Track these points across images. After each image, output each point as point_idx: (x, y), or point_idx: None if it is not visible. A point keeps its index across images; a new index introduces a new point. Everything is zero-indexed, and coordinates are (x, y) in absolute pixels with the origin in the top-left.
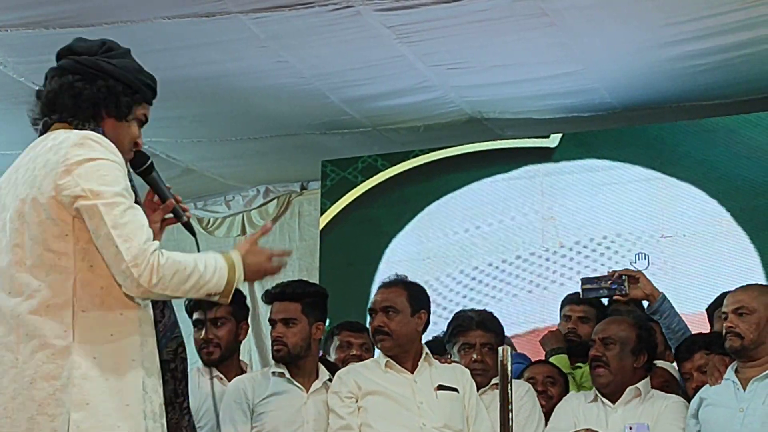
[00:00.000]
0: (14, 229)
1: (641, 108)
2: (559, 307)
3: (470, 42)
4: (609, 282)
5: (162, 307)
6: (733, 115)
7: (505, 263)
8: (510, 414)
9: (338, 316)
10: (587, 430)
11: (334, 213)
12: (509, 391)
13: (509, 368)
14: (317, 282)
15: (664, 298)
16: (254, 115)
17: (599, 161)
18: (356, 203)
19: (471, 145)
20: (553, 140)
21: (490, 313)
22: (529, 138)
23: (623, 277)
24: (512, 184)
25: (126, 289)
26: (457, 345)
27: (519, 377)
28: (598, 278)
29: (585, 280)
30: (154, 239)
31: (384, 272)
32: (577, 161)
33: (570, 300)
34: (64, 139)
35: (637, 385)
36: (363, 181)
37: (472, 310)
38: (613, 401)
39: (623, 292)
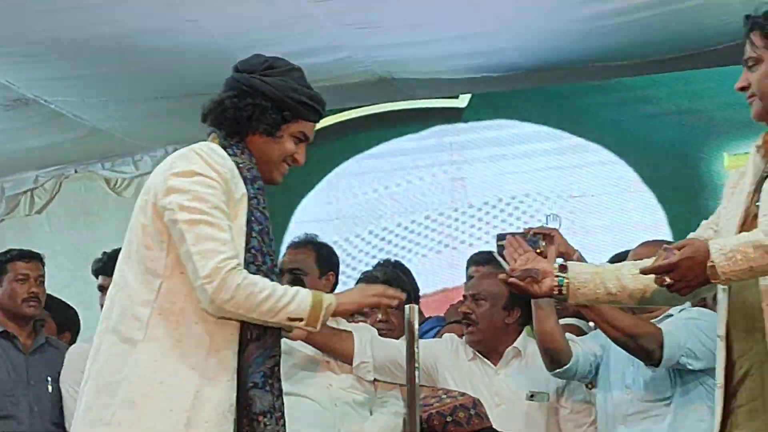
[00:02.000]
0: (131, 227)
1: (550, 68)
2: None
3: (380, 1)
4: (524, 239)
5: (261, 330)
6: (642, 76)
7: (414, 223)
8: (416, 372)
9: None
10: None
11: None
12: (415, 350)
13: (416, 327)
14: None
15: (581, 256)
16: (162, 75)
17: (508, 121)
18: None
19: (380, 105)
20: (463, 100)
21: (398, 272)
22: (438, 98)
23: (538, 235)
24: (421, 144)
25: (202, 303)
26: None
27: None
28: (513, 234)
29: (500, 237)
30: None
31: (293, 232)
32: (487, 121)
33: (474, 261)
34: (181, 150)
35: (515, 344)
36: None
37: (380, 268)
38: (494, 362)
39: (537, 250)
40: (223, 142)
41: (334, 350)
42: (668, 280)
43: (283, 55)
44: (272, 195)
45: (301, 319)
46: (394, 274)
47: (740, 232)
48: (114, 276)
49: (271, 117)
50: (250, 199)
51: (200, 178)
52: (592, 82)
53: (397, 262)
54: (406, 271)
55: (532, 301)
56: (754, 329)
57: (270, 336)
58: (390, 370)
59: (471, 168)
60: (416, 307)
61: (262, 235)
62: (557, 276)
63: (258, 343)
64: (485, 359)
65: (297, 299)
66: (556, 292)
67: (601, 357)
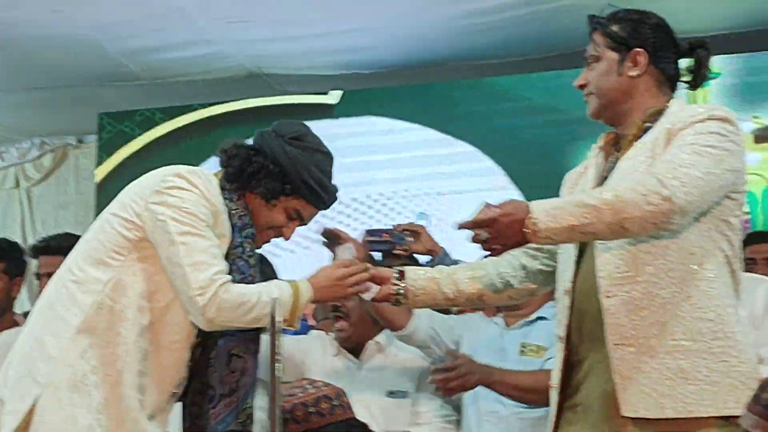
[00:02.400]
0: (99, 227)
1: (421, 66)
2: None
3: None
4: (391, 235)
5: (234, 383)
6: (512, 75)
7: None
8: (276, 365)
9: None
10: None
11: (111, 167)
12: (276, 344)
13: (278, 320)
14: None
15: (446, 253)
16: (29, 66)
17: (379, 119)
18: (133, 157)
19: (251, 100)
20: (334, 97)
21: (262, 268)
22: (309, 94)
23: (405, 231)
24: None
25: (192, 317)
26: None
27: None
28: (381, 231)
29: (368, 232)
30: None
31: None
32: (357, 118)
33: None
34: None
35: (377, 339)
36: (140, 135)
37: None
38: (358, 357)
39: (404, 246)
40: (222, 183)
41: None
42: (484, 235)
43: (154, 47)
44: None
45: (285, 320)
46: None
47: None
48: (65, 265)
49: (272, 183)
50: (234, 246)
51: (194, 196)
52: (462, 80)
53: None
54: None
55: None
56: (595, 332)
57: (243, 388)
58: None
59: (340, 164)
60: (279, 300)
61: (243, 283)
62: (394, 284)
63: (228, 399)
64: (349, 354)
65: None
66: (393, 300)
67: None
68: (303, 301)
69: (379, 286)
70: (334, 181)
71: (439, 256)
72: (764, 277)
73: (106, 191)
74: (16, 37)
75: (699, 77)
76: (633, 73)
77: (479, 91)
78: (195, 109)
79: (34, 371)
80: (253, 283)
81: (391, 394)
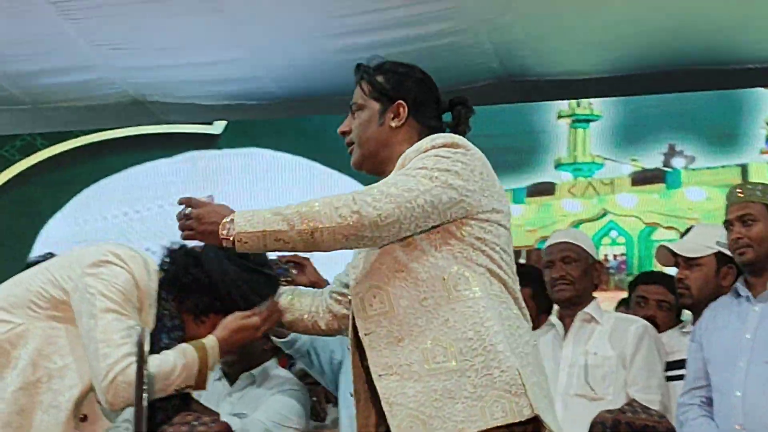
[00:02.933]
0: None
1: (305, 99)
2: None
3: (135, 23)
4: (275, 267)
5: None
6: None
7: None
8: (143, 396)
9: None
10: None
11: None
12: (143, 372)
13: (146, 349)
14: None
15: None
16: None
17: (263, 150)
18: (13, 182)
19: (134, 128)
20: (218, 127)
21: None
22: (193, 123)
23: (290, 262)
24: (174, 168)
25: (98, 394)
26: None
27: None
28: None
29: None
30: None
31: (38, 253)
32: (242, 149)
33: None
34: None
35: (253, 371)
36: (20, 160)
37: None
38: (231, 384)
39: (289, 278)
40: (160, 285)
41: None
42: (186, 211)
43: (35, 72)
44: (18, 215)
45: (189, 387)
46: None
47: None
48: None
49: (202, 299)
50: (161, 347)
51: (128, 276)
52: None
53: None
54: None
55: None
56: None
57: None
58: None
59: (224, 195)
60: (147, 329)
61: None
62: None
63: None
64: (226, 379)
65: (184, 374)
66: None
67: (341, 363)
68: (212, 362)
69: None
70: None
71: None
72: (634, 317)
73: None
74: None
75: (458, 132)
76: (393, 123)
77: None
78: (77, 136)
79: None
80: None
81: (236, 415)
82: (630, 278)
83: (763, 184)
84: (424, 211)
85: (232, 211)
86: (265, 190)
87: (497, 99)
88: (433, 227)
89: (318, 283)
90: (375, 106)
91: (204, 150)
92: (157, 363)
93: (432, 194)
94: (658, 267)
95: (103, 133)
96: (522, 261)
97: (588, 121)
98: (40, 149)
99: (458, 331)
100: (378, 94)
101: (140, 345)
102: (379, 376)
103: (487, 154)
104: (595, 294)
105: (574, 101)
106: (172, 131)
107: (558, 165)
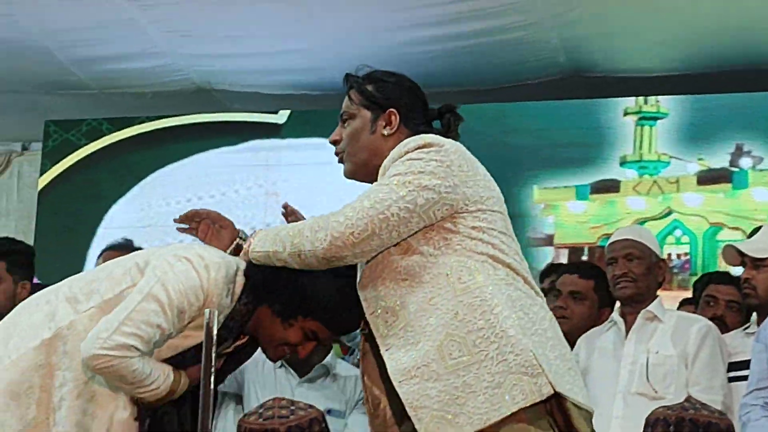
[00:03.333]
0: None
1: None
2: None
3: (204, 10)
4: None
5: None
6: (459, 105)
7: None
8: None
9: (51, 280)
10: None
11: (54, 175)
12: (212, 356)
13: (214, 331)
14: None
15: None
16: None
17: (326, 140)
18: (78, 166)
19: (198, 115)
20: (282, 116)
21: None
22: (257, 112)
23: None
24: (238, 157)
25: (82, 349)
26: None
27: None
28: None
29: None
30: None
31: (102, 237)
32: (304, 139)
33: None
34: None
35: (324, 362)
36: (86, 144)
37: None
38: (300, 373)
39: None
40: (242, 290)
41: None
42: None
43: (103, 57)
44: (83, 199)
45: (145, 400)
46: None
47: None
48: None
49: (292, 302)
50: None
51: (196, 283)
52: None
53: None
54: None
55: None
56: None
57: None
58: None
59: (286, 184)
60: (216, 311)
61: None
62: None
63: None
64: (290, 369)
65: (156, 390)
66: None
67: None
68: (178, 391)
69: None
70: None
71: None
72: (697, 316)
73: (48, 200)
74: None
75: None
76: (385, 131)
77: None
78: (142, 122)
79: None
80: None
81: (329, 412)
82: (694, 278)
83: None
84: (401, 218)
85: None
86: (327, 180)
87: (563, 94)
88: (427, 227)
89: None
90: (366, 115)
91: (267, 139)
92: (147, 371)
93: (406, 200)
94: (722, 267)
95: (168, 119)
96: (584, 258)
97: (655, 118)
98: (105, 134)
99: (469, 323)
100: (369, 103)
101: (209, 327)
102: (399, 382)
103: (552, 149)
104: (659, 293)
105: (641, 98)
106: (236, 119)
107: (623, 162)
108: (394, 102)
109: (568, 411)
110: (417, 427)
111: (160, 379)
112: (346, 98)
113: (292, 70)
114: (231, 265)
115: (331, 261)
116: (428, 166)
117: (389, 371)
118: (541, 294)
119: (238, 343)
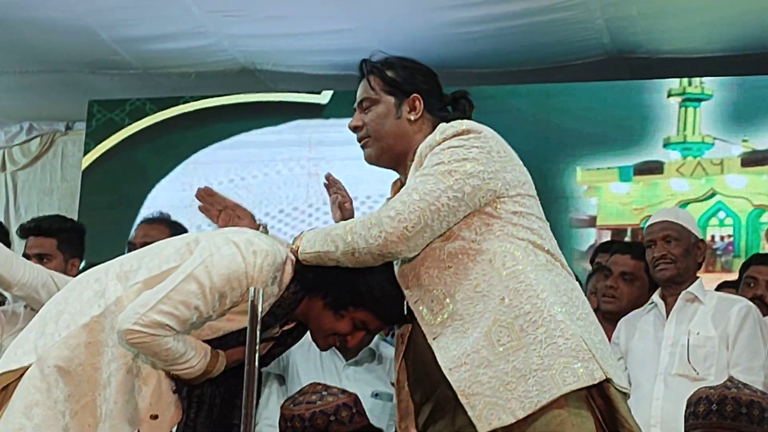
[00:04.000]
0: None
1: None
2: None
3: None
4: None
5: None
6: (501, 86)
7: (267, 216)
8: (255, 357)
9: (93, 259)
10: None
11: (98, 154)
12: (256, 333)
13: (259, 310)
14: None
15: None
16: (21, 48)
17: None
18: (121, 146)
19: (242, 95)
20: (325, 96)
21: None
22: (300, 93)
23: None
24: (280, 137)
25: (117, 321)
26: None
27: None
28: None
29: None
30: None
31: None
32: (347, 119)
33: None
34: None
35: (371, 346)
36: (130, 124)
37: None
38: (345, 356)
39: None
40: (292, 279)
41: None
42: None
43: (147, 37)
44: (126, 179)
45: (185, 378)
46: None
47: None
48: (124, 256)
49: (343, 293)
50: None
51: (241, 268)
52: (453, 86)
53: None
54: None
55: None
56: (428, 376)
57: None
58: None
59: (328, 165)
60: (261, 289)
61: None
62: None
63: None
64: (337, 352)
65: (195, 366)
66: None
67: None
68: (216, 371)
69: None
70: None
71: None
72: (738, 297)
73: (92, 179)
74: (8, 18)
75: None
76: (411, 116)
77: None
78: (186, 102)
79: (38, 339)
80: None
81: (376, 395)
82: (737, 260)
83: None
84: (450, 208)
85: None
86: None
87: (607, 75)
88: (469, 215)
89: None
90: (390, 101)
91: (310, 119)
92: (183, 349)
93: (454, 189)
94: (766, 249)
95: (211, 99)
96: (627, 239)
97: (699, 100)
98: (149, 114)
99: (515, 308)
100: (391, 89)
101: (253, 306)
102: (450, 370)
103: (595, 130)
104: (702, 275)
105: (685, 80)
106: (279, 99)
107: (667, 144)
108: (416, 87)
109: (611, 396)
110: (470, 414)
111: (195, 358)
112: (364, 84)
113: (335, 50)
114: (280, 253)
115: (386, 256)
116: (470, 153)
117: (439, 360)
118: (573, 276)
119: (285, 328)
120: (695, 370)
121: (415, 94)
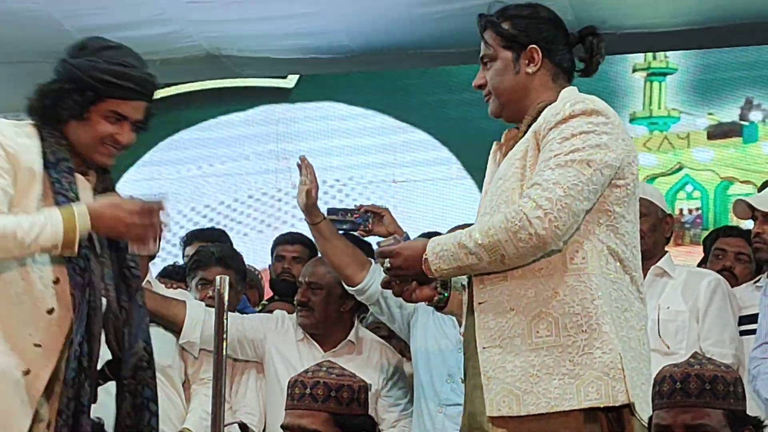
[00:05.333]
0: None
1: (379, 53)
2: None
3: None
4: (354, 215)
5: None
6: (469, 65)
7: (236, 202)
8: (224, 345)
9: None
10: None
11: None
12: (224, 321)
13: (225, 298)
14: None
15: (407, 237)
16: None
17: (336, 104)
18: None
19: (208, 81)
20: (291, 81)
21: (233, 250)
22: (266, 78)
23: (368, 212)
24: (248, 123)
25: None
26: (196, 279)
27: None
28: (344, 210)
29: (330, 211)
30: None
31: None
32: (314, 103)
33: (283, 240)
34: None
35: (350, 337)
36: None
37: (215, 245)
38: (323, 347)
39: (367, 228)
40: (39, 126)
41: (164, 316)
42: (387, 264)
43: (111, 26)
44: None
45: (57, 246)
46: (229, 252)
47: None
48: None
49: (73, 99)
50: (51, 183)
51: None
52: (419, 68)
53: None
54: (229, 240)
55: (312, 226)
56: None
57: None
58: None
59: (296, 149)
60: (227, 278)
61: None
62: (439, 292)
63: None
64: (314, 342)
65: (46, 230)
66: (434, 303)
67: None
68: (80, 225)
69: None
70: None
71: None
72: (707, 271)
73: None
74: None
75: (592, 64)
76: (530, 70)
77: (436, 79)
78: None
79: None
80: None
81: None
82: (705, 233)
83: None
84: (590, 199)
85: (423, 249)
86: (337, 143)
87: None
88: None
89: (397, 232)
90: (507, 55)
91: (277, 104)
92: (14, 220)
93: (593, 181)
94: (734, 221)
95: (177, 86)
96: None
97: (664, 74)
98: None
99: (566, 305)
100: (508, 43)
101: (219, 294)
102: (483, 348)
103: None
104: (671, 249)
105: (650, 54)
106: (246, 85)
107: (633, 119)
108: (534, 37)
109: (628, 425)
110: (485, 396)
111: (38, 223)
112: (483, 41)
113: (300, 33)
114: (5, 119)
115: (537, 255)
116: (601, 139)
117: (476, 330)
118: (643, 295)
119: None
120: (666, 345)
121: (532, 46)
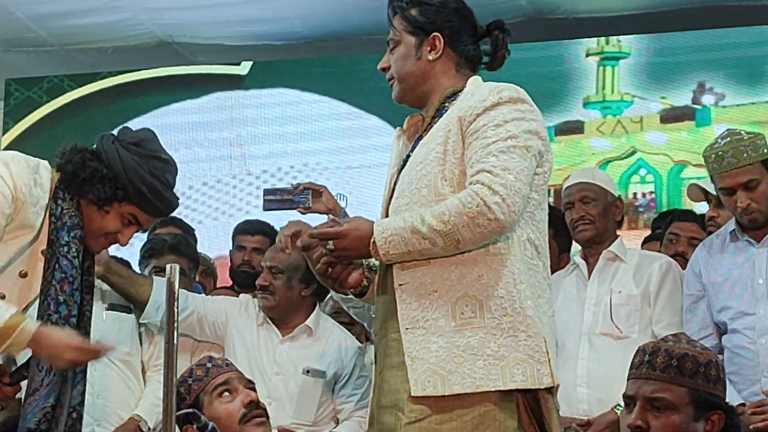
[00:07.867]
0: None
1: (333, 39)
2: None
3: None
4: (292, 194)
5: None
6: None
7: (191, 189)
8: (174, 333)
9: None
10: None
11: (17, 133)
12: (175, 310)
13: (176, 287)
14: None
15: (345, 214)
16: None
17: (289, 91)
18: (40, 124)
19: (160, 69)
20: (244, 67)
21: (186, 238)
22: (219, 65)
23: (307, 190)
24: (201, 110)
25: None
26: (149, 268)
27: None
28: (281, 190)
29: (267, 191)
30: None
31: None
32: (268, 90)
33: (243, 230)
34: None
35: (308, 322)
36: (48, 101)
37: (168, 233)
38: (282, 331)
39: (306, 205)
40: (57, 185)
41: (128, 294)
42: (331, 245)
43: (62, 13)
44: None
45: None
46: (183, 240)
47: (386, 215)
48: None
49: (105, 187)
50: (60, 245)
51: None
52: (373, 54)
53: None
54: (192, 234)
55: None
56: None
57: (45, 387)
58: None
59: (251, 136)
60: (177, 266)
61: (62, 284)
62: (366, 277)
63: (36, 395)
64: (273, 326)
65: None
66: (358, 290)
67: None
68: (14, 342)
69: None
70: (175, 190)
71: (340, 216)
72: (658, 254)
73: None
74: None
75: (497, 58)
76: (431, 56)
77: None
78: (104, 77)
79: None
80: (73, 284)
81: (308, 372)
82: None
83: (745, 137)
84: (530, 184)
85: (369, 230)
86: (292, 130)
87: (525, 37)
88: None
89: (334, 209)
90: (411, 41)
91: (230, 91)
92: None
93: (532, 164)
94: (687, 205)
95: (130, 74)
96: (550, 200)
97: (617, 58)
98: (67, 91)
99: (490, 287)
100: (413, 28)
101: (170, 283)
102: (406, 329)
103: None
104: (625, 233)
105: (602, 39)
106: (199, 72)
107: (586, 103)
108: (439, 25)
109: (548, 408)
110: (409, 377)
111: None
112: (391, 25)
113: (253, 20)
114: (30, 159)
115: (491, 238)
116: (531, 126)
117: (399, 313)
118: (551, 285)
119: None
120: (618, 329)
121: (435, 33)
